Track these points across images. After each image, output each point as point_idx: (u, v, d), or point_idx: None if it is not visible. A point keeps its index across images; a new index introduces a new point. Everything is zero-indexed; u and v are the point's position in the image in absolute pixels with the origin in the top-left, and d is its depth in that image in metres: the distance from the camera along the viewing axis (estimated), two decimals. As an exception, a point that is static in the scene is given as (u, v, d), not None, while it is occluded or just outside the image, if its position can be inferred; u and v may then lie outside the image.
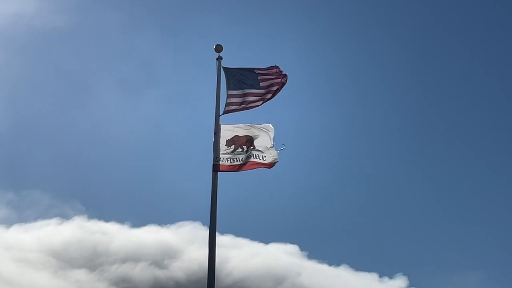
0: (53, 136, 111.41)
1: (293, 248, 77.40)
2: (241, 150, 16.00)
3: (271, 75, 17.17)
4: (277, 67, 17.31)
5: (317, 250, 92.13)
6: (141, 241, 74.48)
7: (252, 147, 16.03)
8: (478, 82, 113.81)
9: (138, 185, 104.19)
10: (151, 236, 76.64)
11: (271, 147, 16.05)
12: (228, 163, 15.83)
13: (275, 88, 16.96)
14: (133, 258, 71.34)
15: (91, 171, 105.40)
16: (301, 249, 77.72)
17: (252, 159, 15.97)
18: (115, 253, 71.86)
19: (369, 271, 76.44)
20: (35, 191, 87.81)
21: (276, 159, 15.98)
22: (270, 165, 15.97)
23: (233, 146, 16.01)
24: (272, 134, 16.24)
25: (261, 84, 17.00)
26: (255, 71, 17.19)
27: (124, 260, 70.55)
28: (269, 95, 16.89)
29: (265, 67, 17.43)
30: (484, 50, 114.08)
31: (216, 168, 15.71)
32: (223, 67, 17.15)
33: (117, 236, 74.82)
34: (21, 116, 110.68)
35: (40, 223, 77.60)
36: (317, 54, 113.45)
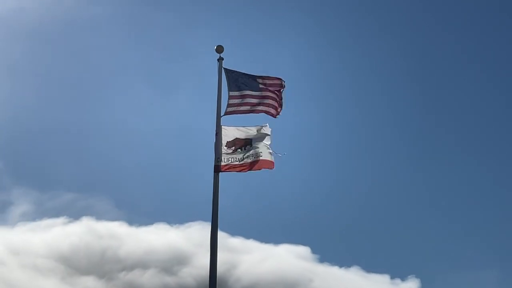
0: (75, 134, 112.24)
1: (304, 250, 77.51)
2: (240, 150, 16.49)
3: (272, 86, 17.65)
4: (281, 80, 17.78)
5: (327, 251, 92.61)
6: (150, 245, 74.71)
7: (249, 146, 16.52)
8: (478, 82, 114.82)
9: (151, 183, 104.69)
10: (160, 239, 76.75)
11: (268, 147, 16.53)
12: (229, 163, 16.29)
13: (272, 101, 17.46)
14: (142, 264, 71.72)
15: (110, 169, 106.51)
16: (313, 251, 77.83)
17: (251, 159, 16.45)
18: (123, 259, 72.25)
19: (380, 272, 76.42)
20: (59, 191, 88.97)
21: (271, 157, 16.45)
22: (269, 163, 16.42)
23: (233, 148, 16.49)
24: (269, 136, 16.72)
25: (260, 86, 17.50)
26: (256, 78, 17.69)
27: (132, 267, 70.94)
28: (268, 108, 17.42)
29: (267, 75, 17.93)
30: (484, 50, 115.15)
31: (217, 168, 16.14)
32: (224, 68, 17.61)
33: (126, 240, 74.97)
34: (50, 112, 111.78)
35: (53, 222, 78.09)
36: (317, 54, 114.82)
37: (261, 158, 16.49)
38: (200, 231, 73.97)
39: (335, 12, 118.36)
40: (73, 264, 67.76)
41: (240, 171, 16.43)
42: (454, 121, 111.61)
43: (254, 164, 16.44)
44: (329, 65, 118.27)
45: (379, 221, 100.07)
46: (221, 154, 16.31)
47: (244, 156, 16.46)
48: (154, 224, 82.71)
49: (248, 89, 17.40)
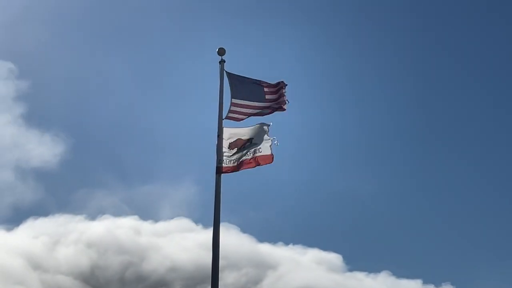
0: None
1: (335, 258, 77.21)
2: (241, 151, 17.26)
3: (277, 93, 18.44)
4: (283, 82, 18.60)
5: (355, 255, 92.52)
6: (173, 260, 74.71)
7: (249, 143, 17.32)
8: (476, 84, 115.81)
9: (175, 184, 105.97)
10: (184, 251, 76.59)
11: (266, 139, 17.38)
12: (231, 164, 17.10)
13: (278, 105, 18.31)
14: (165, 282, 71.98)
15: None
16: (345, 259, 77.53)
17: (252, 156, 17.27)
18: (146, 276, 72.59)
19: (412, 278, 75.66)
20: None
21: (271, 150, 17.27)
22: (268, 158, 17.20)
23: (235, 149, 17.27)
24: (267, 129, 17.58)
25: (267, 97, 18.34)
26: (261, 84, 18.45)
27: (154, 286, 71.11)
28: (273, 108, 18.26)
29: (271, 82, 18.70)
30: (484, 52, 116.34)
31: (219, 170, 16.90)
32: (227, 72, 18.40)
33: (149, 253, 74.93)
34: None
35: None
36: (318, 56, 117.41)
37: (258, 154, 17.27)
38: (224, 237, 73.68)
39: (336, 13, 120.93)
40: (93, 282, 68.38)
41: (241, 169, 17.21)
42: (463, 116, 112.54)
43: (252, 161, 17.22)
44: (330, 65, 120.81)
45: (408, 222, 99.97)
46: (223, 156, 17.08)
47: (245, 153, 17.23)
48: (175, 218, 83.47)
49: (255, 100, 18.20)
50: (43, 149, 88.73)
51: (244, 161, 17.15)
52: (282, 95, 18.38)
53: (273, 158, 17.29)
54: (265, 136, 17.37)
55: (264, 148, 17.23)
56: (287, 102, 18.32)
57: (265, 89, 18.44)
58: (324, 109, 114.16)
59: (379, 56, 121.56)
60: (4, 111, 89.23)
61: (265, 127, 17.52)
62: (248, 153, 17.21)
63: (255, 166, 17.22)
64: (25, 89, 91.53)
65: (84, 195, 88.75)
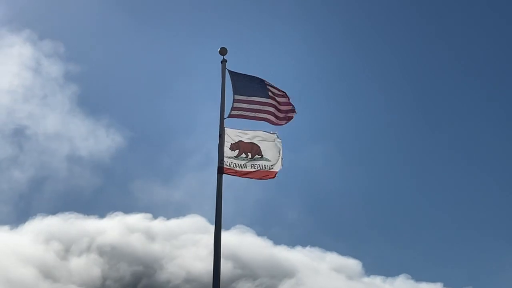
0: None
1: (355, 264, 77.05)
2: (245, 156, 17.67)
3: (279, 96, 18.84)
4: (285, 93, 19.01)
5: (373, 259, 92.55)
6: (189, 270, 74.72)
7: (259, 156, 17.71)
8: (473, 83, 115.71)
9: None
10: (199, 261, 76.62)
11: (279, 157, 17.90)
12: (232, 167, 17.45)
13: (283, 114, 18.74)
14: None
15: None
16: (364, 264, 77.36)
17: (260, 169, 17.72)
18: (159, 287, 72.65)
19: (432, 281, 75.21)
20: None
21: (281, 165, 17.88)
22: (272, 175, 17.77)
23: (237, 151, 17.66)
24: (280, 144, 18.03)
25: (270, 94, 18.67)
26: (264, 81, 18.80)
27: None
28: (277, 120, 18.68)
29: (273, 84, 19.08)
30: (478, 51, 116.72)
31: (220, 170, 17.23)
32: (229, 70, 18.73)
33: (163, 262, 75.00)
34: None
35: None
36: (318, 57, 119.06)
37: (270, 170, 17.77)
38: (240, 241, 73.75)
39: (336, 15, 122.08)
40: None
41: (244, 176, 17.63)
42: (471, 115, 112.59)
43: (261, 174, 17.69)
44: (329, 67, 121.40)
45: (426, 224, 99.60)
46: (225, 156, 17.39)
47: (251, 164, 17.62)
48: (188, 215, 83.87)
49: (257, 96, 18.51)
50: (94, 140, 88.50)
51: (251, 171, 17.56)
52: (289, 104, 18.88)
53: (276, 174, 17.78)
54: (280, 152, 17.86)
55: (276, 166, 17.76)
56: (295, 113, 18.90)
57: (268, 87, 18.76)
58: (330, 109, 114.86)
59: (379, 58, 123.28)
60: (53, 94, 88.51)
61: (278, 143, 17.99)
62: (257, 166, 17.63)
63: (259, 179, 17.69)
64: (76, 73, 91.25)
65: (137, 189, 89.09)
